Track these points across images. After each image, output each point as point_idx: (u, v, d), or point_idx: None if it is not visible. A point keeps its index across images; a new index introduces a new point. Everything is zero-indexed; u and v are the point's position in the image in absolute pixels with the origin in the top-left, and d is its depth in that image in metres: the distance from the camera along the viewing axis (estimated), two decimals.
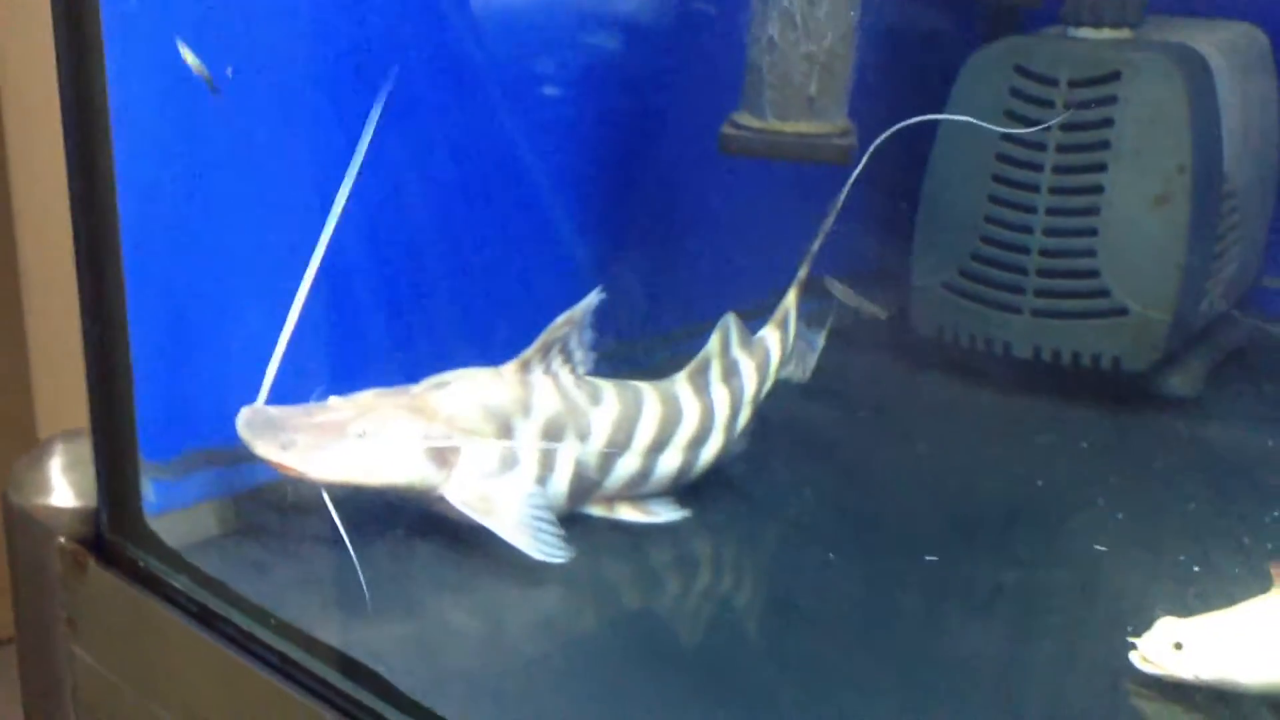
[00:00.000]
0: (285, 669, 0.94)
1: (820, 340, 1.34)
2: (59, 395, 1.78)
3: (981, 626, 1.03)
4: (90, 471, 1.11)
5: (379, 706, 0.89)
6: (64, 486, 1.12)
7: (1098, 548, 1.13)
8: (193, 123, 1.03)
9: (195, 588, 1.02)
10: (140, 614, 1.05)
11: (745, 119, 1.19)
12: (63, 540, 1.10)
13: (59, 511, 1.11)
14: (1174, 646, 0.91)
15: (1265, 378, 1.54)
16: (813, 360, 1.32)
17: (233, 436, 1.07)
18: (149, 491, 1.07)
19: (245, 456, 1.09)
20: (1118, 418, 1.41)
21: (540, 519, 1.04)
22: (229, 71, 1.02)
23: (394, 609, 1.00)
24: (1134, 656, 0.93)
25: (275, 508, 1.10)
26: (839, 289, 1.17)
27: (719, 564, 1.16)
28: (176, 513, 1.08)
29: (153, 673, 1.06)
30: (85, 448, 1.13)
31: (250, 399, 1.04)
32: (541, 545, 1.03)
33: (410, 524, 1.10)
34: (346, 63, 1.12)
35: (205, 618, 1.00)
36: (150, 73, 1.00)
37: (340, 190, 1.04)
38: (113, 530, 1.08)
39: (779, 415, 1.29)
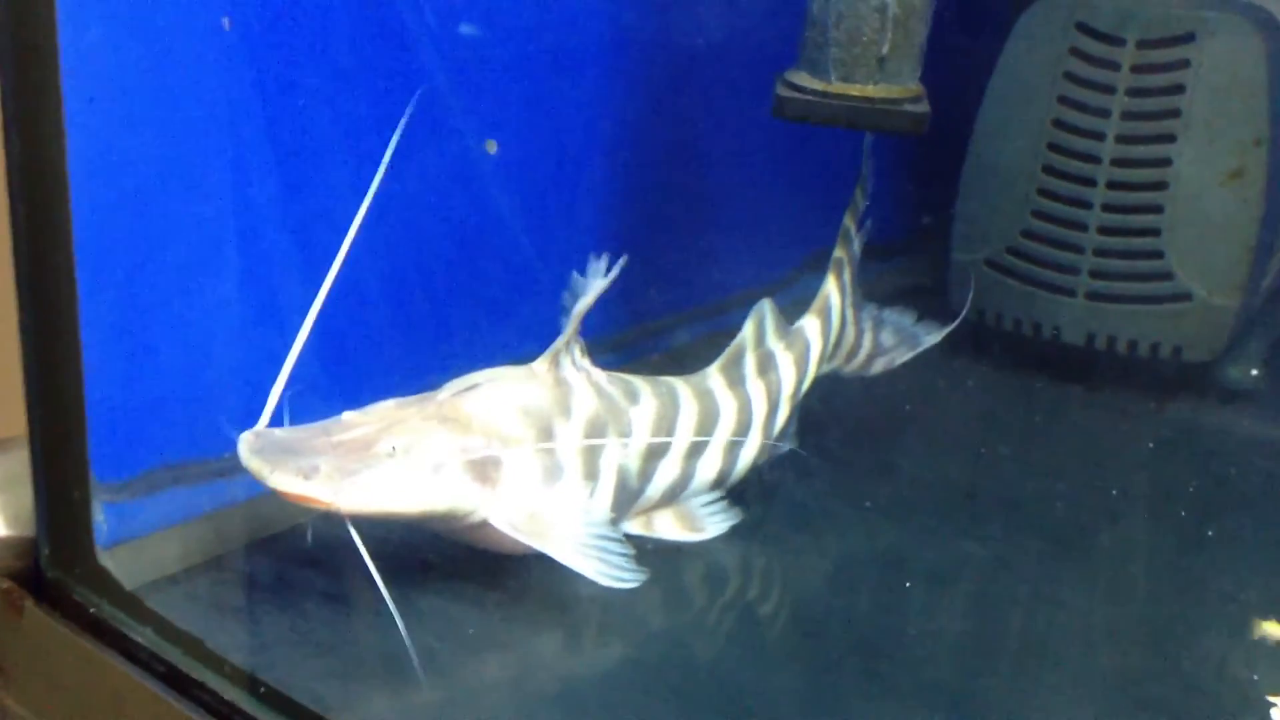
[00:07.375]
0: None
1: (926, 341, 1.17)
2: None
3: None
4: (24, 493, 0.91)
5: None
6: None
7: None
8: (162, 86, 0.82)
9: (162, 643, 0.84)
10: (91, 666, 0.87)
11: (803, 79, 1.02)
12: None
13: None
14: None
15: None
16: (901, 359, 1.17)
17: (202, 448, 0.89)
18: (101, 518, 0.87)
19: (215, 472, 0.91)
20: (1177, 413, 1.29)
21: (602, 536, 0.88)
22: (225, 22, 0.81)
23: (438, 673, 0.81)
24: None
25: (256, 537, 0.92)
26: None
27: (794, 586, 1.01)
28: (134, 542, 0.89)
29: None
30: (14, 464, 0.94)
31: (227, 399, 0.86)
32: (608, 568, 0.86)
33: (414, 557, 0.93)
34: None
35: (176, 680, 0.82)
36: (108, 23, 0.78)
37: (368, 192, 0.85)
38: (55, 566, 0.89)
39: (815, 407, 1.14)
